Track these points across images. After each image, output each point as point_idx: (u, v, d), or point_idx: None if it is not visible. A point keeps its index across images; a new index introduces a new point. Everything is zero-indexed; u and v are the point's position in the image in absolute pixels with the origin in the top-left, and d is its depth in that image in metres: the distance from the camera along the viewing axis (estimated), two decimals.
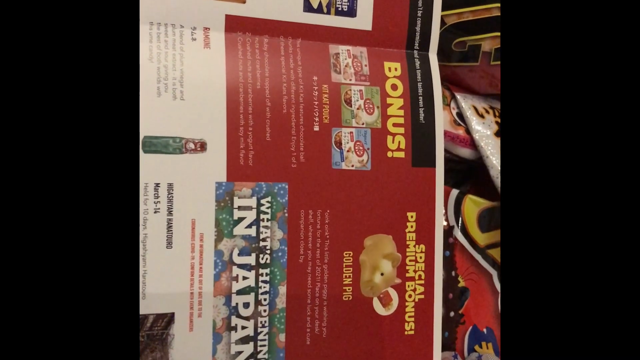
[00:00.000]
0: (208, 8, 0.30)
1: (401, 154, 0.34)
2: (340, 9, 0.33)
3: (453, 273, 0.37)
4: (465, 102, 0.36)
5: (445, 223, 0.37)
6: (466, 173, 0.39)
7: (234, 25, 0.31)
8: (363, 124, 0.33)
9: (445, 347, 0.37)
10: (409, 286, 0.34)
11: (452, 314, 0.37)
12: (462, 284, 0.37)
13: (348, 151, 0.33)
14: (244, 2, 0.31)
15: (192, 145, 0.30)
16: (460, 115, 0.36)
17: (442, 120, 0.35)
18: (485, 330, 0.38)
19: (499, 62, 0.35)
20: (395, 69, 0.34)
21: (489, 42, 0.35)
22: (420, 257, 0.34)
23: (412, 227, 0.34)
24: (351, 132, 0.33)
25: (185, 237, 0.30)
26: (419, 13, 0.34)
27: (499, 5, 0.34)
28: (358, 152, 0.33)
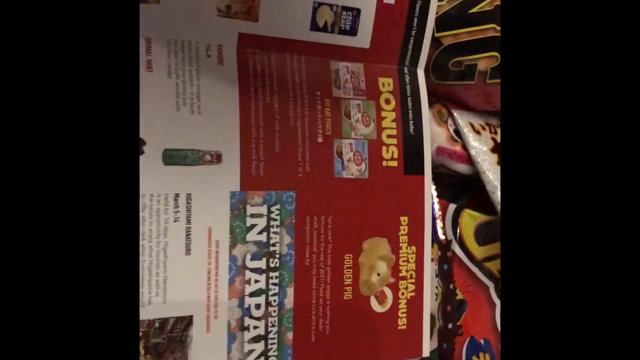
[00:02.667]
0: (223, 26, 0.32)
1: (394, 163, 0.37)
2: (343, 28, 0.35)
3: (451, 286, 0.40)
4: (462, 119, 0.40)
5: (443, 237, 0.40)
6: (463, 187, 0.43)
7: (246, 42, 0.33)
8: (361, 135, 0.36)
9: (443, 357, 0.40)
10: (401, 285, 0.37)
11: (450, 325, 0.40)
12: (459, 296, 0.40)
13: (348, 161, 0.35)
14: (257, 21, 0.32)
15: (208, 157, 0.31)
16: (457, 131, 0.40)
17: (429, 132, 0.38)
18: (482, 341, 0.41)
19: (495, 81, 0.39)
20: (389, 84, 0.37)
21: (485, 61, 0.38)
22: (412, 258, 0.37)
23: (404, 230, 0.37)
24: (351, 143, 0.35)
25: (203, 244, 0.31)
26: (413, 33, 0.37)
27: (494, 25, 0.38)
28: (357, 162, 0.36)
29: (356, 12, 0.35)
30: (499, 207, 0.40)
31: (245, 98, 0.32)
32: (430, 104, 0.40)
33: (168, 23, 0.31)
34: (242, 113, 0.32)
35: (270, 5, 0.32)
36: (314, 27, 0.34)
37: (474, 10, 0.38)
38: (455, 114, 0.40)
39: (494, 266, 0.43)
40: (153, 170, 0.30)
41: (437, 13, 0.37)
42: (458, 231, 0.40)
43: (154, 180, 0.30)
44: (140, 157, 0.30)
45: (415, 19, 0.37)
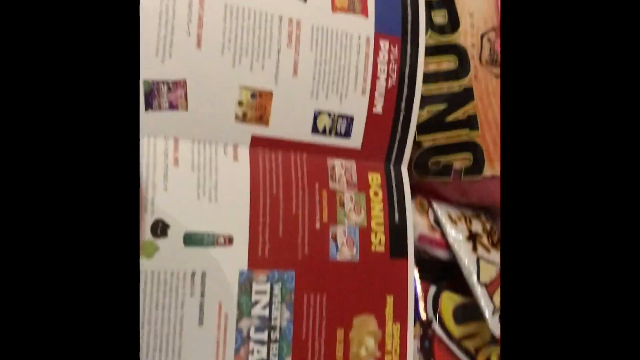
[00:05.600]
0: (239, 129, 0.38)
1: (382, 248, 0.42)
2: (339, 131, 0.41)
3: None
4: (441, 210, 0.45)
5: (424, 316, 0.45)
6: (443, 270, 0.48)
7: (257, 142, 0.39)
8: (353, 223, 0.41)
9: None
10: (387, 359, 0.41)
11: None
12: None
13: (342, 245, 0.40)
14: (268, 126, 0.38)
15: (222, 240, 0.36)
16: (437, 221, 0.45)
17: (412, 221, 0.43)
18: None
19: (469, 178, 0.45)
20: (377, 179, 0.43)
21: (460, 161, 0.45)
22: (396, 334, 0.42)
23: (390, 308, 0.42)
24: (344, 230, 0.41)
25: (214, 316, 0.36)
26: (398, 137, 0.43)
27: (467, 131, 0.44)
28: (349, 246, 0.41)
29: (350, 119, 0.41)
30: (474, 289, 0.45)
31: (255, 189, 0.38)
32: (413, 195, 0.45)
33: (194, 126, 0.37)
34: (252, 202, 0.38)
35: (279, 113, 0.39)
36: (315, 130, 0.40)
37: (450, 118, 0.45)
38: (435, 205, 0.46)
39: (471, 344, 0.47)
40: (174, 250, 0.35)
41: (418, 120, 0.44)
42: (438, 311, 0.45)
43: (175, 260, 0.35)
44: (164, 238, 0.35)
45: (400, 126, 0.43)
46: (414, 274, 0.43)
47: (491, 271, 0.46)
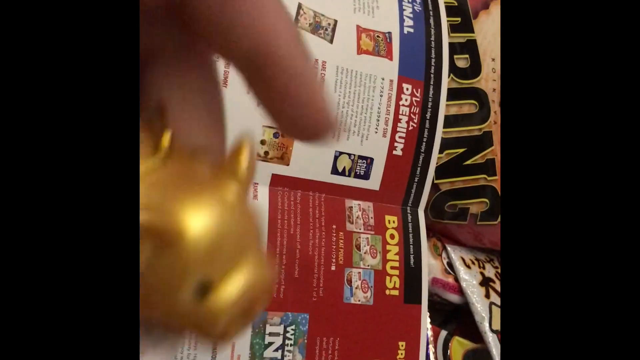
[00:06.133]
0: (260, 168, 0.38)
1: (396, 292, 0.41)
2: (358, 173, 0.41)
3: None
4: (455, 253, 0.45)
5: None
6: (453, 314, 0.47)
7: (277, 181, 0.38)
8: (368, 265, 0.41)
9: None
10: None
11: None
12: None
13: (356, 288, 0.40)
14: (288, 165, 0.38)
15: None
16: (450, 264, 0.45)
17: (427, 266, 0.43)
18: None
19: (484, 223, 0.45)
20: (394, 222, 0.43)
21: (476, 206, 0.44)
22: None
23: (402, 354, 0.41)
24: (359, 272, 0.40)
25: (226, 357, 0.35)
26: (416, 179, 0.43)
27: (485, 176, 0.44)
28: (364, 289, 0.40)
29: (370, 161, 0.41)
30: (485, 336, 0.44)
31: (273, 229, 0.38)
32: (427, 237, 0.45)
33: None
34: (269, 241, 0.37)
35: (300, 153, 0.38)
36: (334, 171, 0.40)
37: (468, 162, 0.45)
38: (449, 248, 0.46)
39: None
40: None
41: (436, 164, 0.44)
42: (448, 356, 0.44)
43: None
44: None
45: (419, 168, 0.43)
46: (427, 320, 0.42)
47: None
